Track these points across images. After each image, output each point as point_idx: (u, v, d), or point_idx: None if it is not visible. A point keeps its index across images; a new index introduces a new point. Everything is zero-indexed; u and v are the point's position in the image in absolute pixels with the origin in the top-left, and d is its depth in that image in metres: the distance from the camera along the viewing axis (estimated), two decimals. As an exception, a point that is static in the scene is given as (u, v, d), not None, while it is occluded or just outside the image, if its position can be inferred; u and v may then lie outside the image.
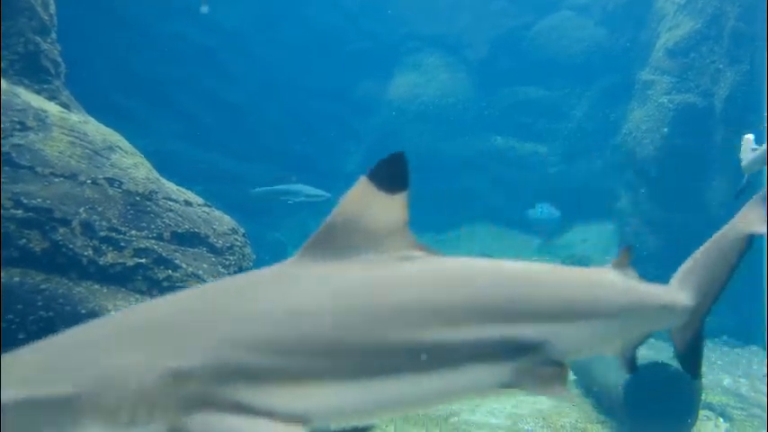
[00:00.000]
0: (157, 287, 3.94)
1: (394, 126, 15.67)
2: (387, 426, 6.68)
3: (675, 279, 2.61)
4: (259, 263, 5.14)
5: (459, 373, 1.86)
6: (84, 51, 9.57)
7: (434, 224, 15.36)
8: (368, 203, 1.97)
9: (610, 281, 2.30)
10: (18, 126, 3.77)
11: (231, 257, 4.38)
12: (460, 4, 15.65)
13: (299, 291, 1.82)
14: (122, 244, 3.88)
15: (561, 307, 2.04)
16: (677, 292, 2.55)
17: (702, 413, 6.84)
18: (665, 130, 11.04)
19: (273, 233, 14.21)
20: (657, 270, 10.07)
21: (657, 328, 2.55)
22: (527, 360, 1.94)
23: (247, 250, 4.63)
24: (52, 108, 4.10)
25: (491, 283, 1.99)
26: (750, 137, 6.25)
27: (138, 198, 4.07)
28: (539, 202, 14.21)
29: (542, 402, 7.54)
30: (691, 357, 2.72)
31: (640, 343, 2.49)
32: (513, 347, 1.92)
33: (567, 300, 2.07)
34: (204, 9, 14.01)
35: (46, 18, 4.47)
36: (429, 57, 16.10)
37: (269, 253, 13.10)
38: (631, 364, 2.48)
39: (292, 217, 14.78)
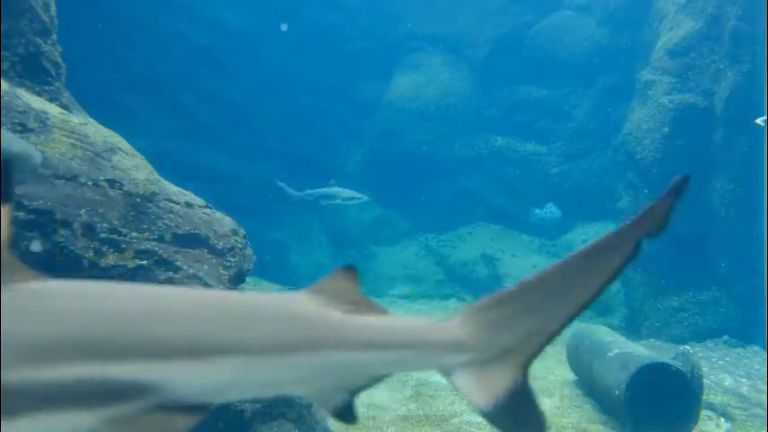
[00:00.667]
0: (158, 289, 3.93)
1: (395, 125, 15.68)
2: (387, 428, 6.69)
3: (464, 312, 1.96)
4: (260, 263, 5.16)
5: (24, 420, 1.51)
6: (84, 50, 9.57)
7: (435, 224, 15.39)
8: None
9: (283, 308, 1.84)
10: (19, 128, 3.78)
11: (232, 259, 4.38)
12: (461, 3, 15.66)
13: None
14: (123, 245, 3.88)
15: (185, 341, 1.66)
16: (442, 326, 1.94)
17: (704, 413, 6.85)
18: (666, 129, 11.04)
19: (273, 233, 14.22)
20: (659, 269, 10.15)
21: (385, 370, 1.98)
22: (128, 406, 1.59)
23: (248, 251, 4.62)
24: (53, 110, 4.11)
25: (86, 313, 1.62)
26: None
27: (138, 200, 4.07)
28: (541, 201, 14.23)
29: (544, 403, 7.54)
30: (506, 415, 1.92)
31: (360, 387, 2.00)
32: (105, 390, 1.57)
33: (197, 332, 1.68)
34: (284, 27, 14.18)
35: (47, 20, 4.48)
36: (430, 56, 16.10)
37: (270, 253, 13.14)
38: (341, 411, 1.98)
39: (293, 217, 14.80)
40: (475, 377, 1.94)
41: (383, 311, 1.96)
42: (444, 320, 1.92)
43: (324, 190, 12.75)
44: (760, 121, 8.80)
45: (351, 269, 2.05)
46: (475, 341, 1.90)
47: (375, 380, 1.98)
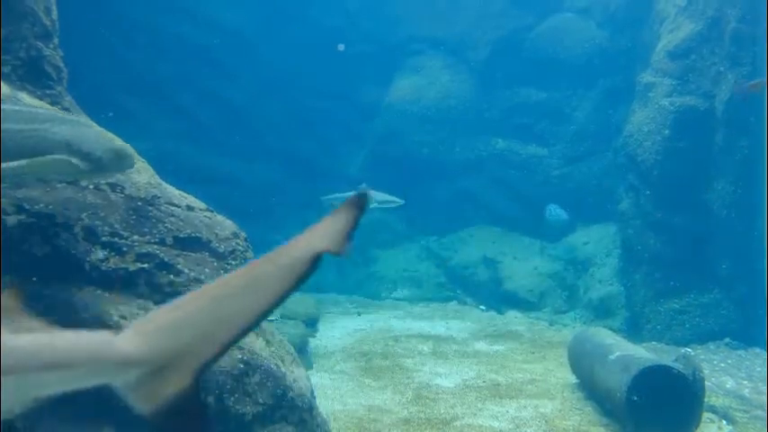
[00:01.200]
0: (160, 292, 3.94)
1: (396, 128, 15.69)
2: (389, 431, 6.69)
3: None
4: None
5: None
6: (84, 53, 9.58)
7: (436, 227, 15.39)
8: None
9: None
10: (21, 132, 3.78)
11: (233, 262, 4.38)
12: (462, 5, 15.68)
13: None
14: (125, 249, 3.89)
15: None
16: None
17: (705, 416, 6.84)
18: (667, 132, 11.04)
19: (275, 235, 14.18)
20: (660, 271, 10.16)
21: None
22: None
23: (249, 254, 4.63)
24: (55, 113, 4.12)
25: None
26: None
27: (140, 203, 4.08)
28: (542, 203, 14.22)
29: (545, 406, 7.55)
30: None
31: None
32: None
33: None
34: (341, 47, 14.16)
35: (48, 23, 4.49)
36: (430, 59, 16.12)
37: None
38: None
39: (294, 219, 14.79)
40: (145, 385, 1.86)
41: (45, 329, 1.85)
42: (113, 334, 1.85)
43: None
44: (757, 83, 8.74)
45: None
46: (142, 352, 1.83)
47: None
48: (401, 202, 12.05)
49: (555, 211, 13.43)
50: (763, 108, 10.34)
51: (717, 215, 10.66)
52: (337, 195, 12.19)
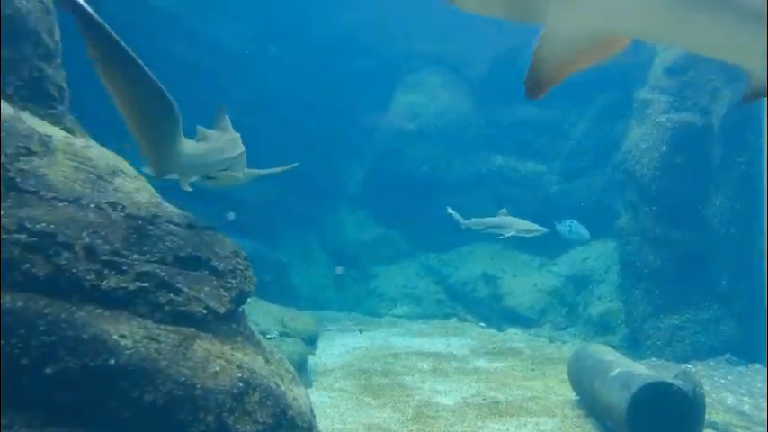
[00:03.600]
0: (160, 311, 3.95)
1: (395, 145, 15.76)
2: (389, 447, 6.67)
3: None
4: (260, 283, 5.17)
5: None
6: (84, 71, 9.63)
7: (436, 244, 15.40)
8: None
9: None
10: (23, 151, 3.81)
11: (233, 281, 4.39)
12: (461, 23, 15.79)
13: None
14: (125, 268, 3.90)
15: None
16: None
17: (706, 433, 6.82)
18: (664, 148, 11.09)
19: (275, 253, 14.23)
20: (659, 288, 10.14)
21: None
22: None
23: (249, 273, 4.64)
24: (57, 133, 4.15)
25: None
26: None
27: (140, 222, 4.10)
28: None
29: (545, 423, 7.52)
30: None
31: None
32: None
33: None
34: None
35: (51, 44, 4.54)
36: (430, 76, 16.23)
37: (270, 273, 13.14)
38: None
39: (293, 237, 14.81)
40: None
41: None
42: None
43: (497, 219, 11.57)
44: None
45: None
46: None
47: None
48: (544, 230, 11.31)
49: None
50: (759, 124, 10.41)
51: (716, 231, 10.68)
52: (482, 220, 11.66)
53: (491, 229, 11.53)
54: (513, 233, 11.24)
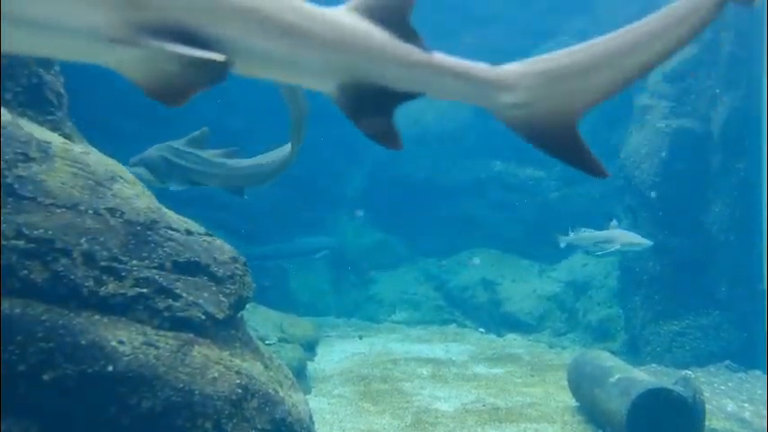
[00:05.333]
0: (158, 317, 3.94)
1: (394, 151, 15.74)
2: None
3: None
4: (259, 289, 5.16)
5: None
6: (83, 76, 9.65)
7: (435, 249, 15.39)
8: None
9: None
10: (21, 157, 3.81)
11: (232, 286, 4.38)
12: (459, 29, 15.82)
13: None
14: (123, 274, 3.89)
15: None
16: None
17: (706, 439, 6.80)
18: (664, 154, 11.10)
19: (275, 259, 14.21)
20: (659, 294, 10.14)
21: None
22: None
23: (248, 278, 4.63)
24: (55, 139, 4.14)
25: None
26: None
27: (139, 228, 4.09)
28: (542, 226, 14.04)
29: (545, 430, 7.50)
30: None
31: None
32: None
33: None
34: None
35: (49, 50, 4.53)
36: (428, 82, 16.22)
37: (269, 278, 13.11)
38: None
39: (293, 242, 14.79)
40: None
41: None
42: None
43: (604, 233, 10.31)
44: None
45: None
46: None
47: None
48: (649, 243, 10.05)
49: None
50: (759, 131, 10.42)
51: (715, 237, 10.68)
52: (587, 234, 10.50)
53: (596, 245, 10.33)
54: (617, 247, 10.04)
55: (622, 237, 10.10)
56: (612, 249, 10.07)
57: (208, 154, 6.65)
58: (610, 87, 2.24)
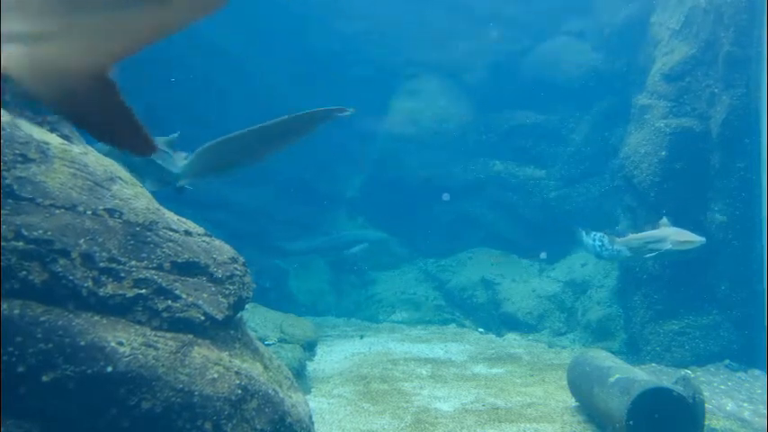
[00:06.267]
0: (157, 317, 3.93)
1: (393, 151, 15.77)
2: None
3: None
4: (259, 290, 5.16)
5: None
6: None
7: (434, 249, 15.40)
8: None
9: None
10: (20, 158, 3.80)
11: (231, 287, 4.38)
12: (458, 30, 15.82)
13: None
14: (122, 274, 3.89)
15: None
16: None
17: (706, 439, 6.79)
18: (663, 153, 11.10)
19: (273, 260, 14.21)
20: (659, 293, 10.13)
21: None
22: None
23: (247, 279, 4.62)
24: (54, 140, 4.14)
25: None
26: None
27: (138, 228, 4.08)
28: (541, 226, 14.06)
29: (545, 430, 7.50)
30: None
31: None
32: None
33: None
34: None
35: (48, 51, 4.52)
36: (428, 82, 16.24)
37: (268, 279, 13.12)
38: None
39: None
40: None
41: None
42: None
43: (657, 232, 9.63)
44: None
45: None
46: None
47: None
48: (702, 240, 9.38)
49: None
50: (758, 130, 10.41)
51: (715, 237, 10.67)
52: (638, 235, 9.96)
53: (650, 245, 9.52)
54: (668, 247, 9.29)
55: (675, 235, 9.40)
56: (664, 249, 9.33)
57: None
58: None
